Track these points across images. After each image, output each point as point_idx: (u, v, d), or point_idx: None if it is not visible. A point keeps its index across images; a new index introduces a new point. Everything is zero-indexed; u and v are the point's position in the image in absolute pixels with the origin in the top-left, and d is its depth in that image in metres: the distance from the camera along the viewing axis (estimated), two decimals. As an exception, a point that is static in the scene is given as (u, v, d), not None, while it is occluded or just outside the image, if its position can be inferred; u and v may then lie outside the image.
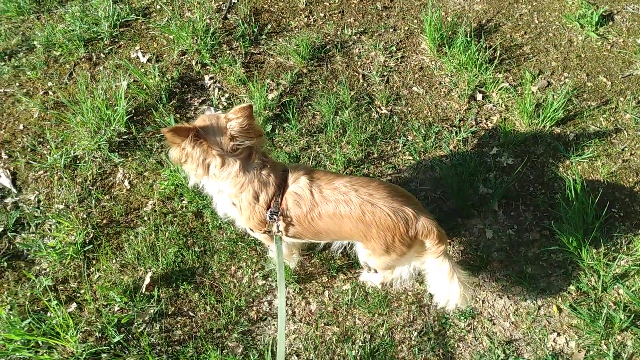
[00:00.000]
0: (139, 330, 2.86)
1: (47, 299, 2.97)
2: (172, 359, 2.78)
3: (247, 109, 2.31)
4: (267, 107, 3.60)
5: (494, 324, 2.88)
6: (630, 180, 3.33)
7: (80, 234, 3.15)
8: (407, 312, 2.93)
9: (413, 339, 2.83)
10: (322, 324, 2.90)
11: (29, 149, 3.52)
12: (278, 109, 3.63)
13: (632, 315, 2.80)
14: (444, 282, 2.53)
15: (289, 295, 2.99)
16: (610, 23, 4.08)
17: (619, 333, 2.80)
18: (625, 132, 3.52)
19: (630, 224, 3.15)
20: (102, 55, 3.96)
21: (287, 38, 3.99)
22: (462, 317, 2.89)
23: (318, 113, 3.62)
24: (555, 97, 3.57)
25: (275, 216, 2.43)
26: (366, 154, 3.43)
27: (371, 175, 3.36)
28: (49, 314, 2.94)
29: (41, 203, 3.33)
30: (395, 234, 2.37)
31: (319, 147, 3.47)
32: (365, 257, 2.65)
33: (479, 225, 3.19)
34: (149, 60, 3.90)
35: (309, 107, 3.65)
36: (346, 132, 3.49)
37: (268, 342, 2.81)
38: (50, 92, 3.79)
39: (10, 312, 2.93)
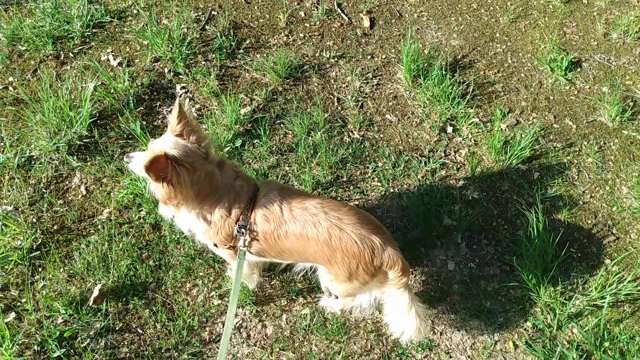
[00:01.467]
0: (82, 346, 2.76)
1: (-17, 306, 2.84)
2: (114, 378, 2.69)
3: (179, 107, 2.25)
4: (238, 122, 3.63)
5: (450, 357, 2.93)
6: (589, 222, 3.50)
7: (27, 238, 3.04)
8: (365, 341, 2.94)
9: (369, 369, 2.84)
10: (278, 349, 2.87)
11: (-20, 145, 3.41)
12: (250, 125, 3.66)
13: (584, 355, 2.91)
14: (402, 314, 2.58)
15: (244, 316, 2.96)
16: (579, 69, 4.34)
17: (571, 373, 2.90)
18: (586, 174, 3.72)
19: (587, 265, 3.30)
20: (70, 54, 3.91)
21: (265, 55, 4.06)
22: (420, 349, 2.93)
23: (290, 132, 3.67)
24: (523, 135, 3.75)
25: (243, 230, 2.41)
26: (335, 177, 3.49)
27: (339, 198, 3.40)
28: (-17, 323, 2.81)
29: (-12, 203, 3.22)
30: (360, 261, 2.40)
31: (288, 167, 3.51)
32: (327, 282, 2.67)
33: (442, 257, 3.27)
34: (120, 64, 3.88)
35: (282, 125, 3.70)
36: (317, 153, 3.55)
37: (219, 365, 2.76)
38: (11, 88, 3.70)
39: (-59, 318, 2.79)
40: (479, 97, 4.04)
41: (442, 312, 3.08)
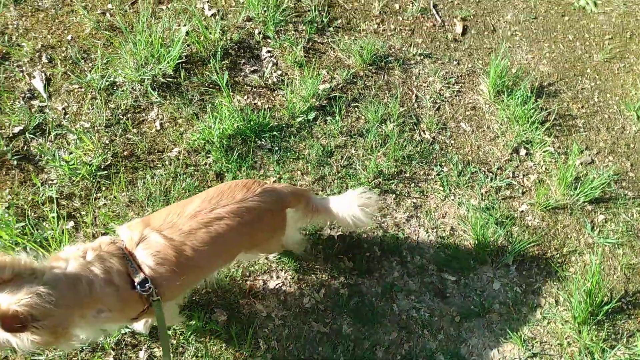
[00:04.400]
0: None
1: (47, 209, 3.09)
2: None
3: None
4: (315, 96, 3.80)
5: (477, 373, 3.03)
6: (646, 278, 3.52)
7: (98, 157, 3.29)
8: (396, 335, 3.06)
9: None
10: (311, 320, 3.03)
11: (70, 61, 3.68)
12: (326, 101, 3.83)
13: (614, 407, 2.96)
14: (335, 212, 2.79)
15: (285, 280, 3.13)
16: (666, 124, 4.34)
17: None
18: (653, 230, 3.73)
19: (636, 320, 3.32)
20: (169, -5, 4.18)
21: (353, 38, 4.22)
22: (448, 356, 3.03)
23: (363, 117, 3.82)
24: (596, 176, 3.80)
25: (147, 283, 2.17)
26: (399, 171, 3.62)
27: (397, 193, 3.54)
28: (45, 224, 3.06)
29: (67, 116, 3.48)
30: (273, 213, 2.56)
31: (354, 150, 3.66)
32: (256, 254, 2.93)
33: (489, 274, 3.36)
34: (214, 15, 4.11)
35: (356, 109, 3.86)
36: (386, 144, 3.69)
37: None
38: (108, 14, 3.97)
39: (7, 210, 3.05)
40: (558, 128, 4.09)
41: (477, 327, 3.17)
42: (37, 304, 1.87)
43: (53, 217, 3.05)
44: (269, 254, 3.14)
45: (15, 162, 3.25)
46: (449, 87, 4.15)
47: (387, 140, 3.71)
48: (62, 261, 2.09)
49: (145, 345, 2.82)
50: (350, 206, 2.75)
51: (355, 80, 4.01)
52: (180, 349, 2.85)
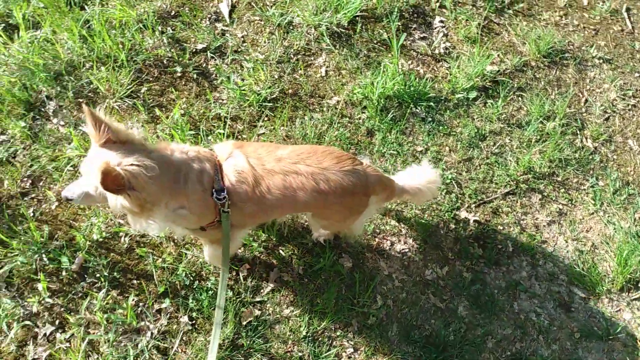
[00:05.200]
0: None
1: (215, 124, 3.41)
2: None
3: (92, 115, 2.06)
4: (480, 76, 3.74)
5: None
6: None
7: (267, 89, 3.53)
8: (511, 331, 3.06)
9: (503, 355, 2.97)
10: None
11: (256, -7, 3.94)
12: (490, 83, 3.76)
13: None
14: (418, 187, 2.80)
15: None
16: None
17: None
18: None
19: None
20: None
21: (532, 25, 4.05)
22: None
23: (525, 109, 3.71)
24: None
25: (222, 193, 2.28)
26: (551, 173, 3.50)
27: (544, 194, 3.44)
28: (210, 138, 3.38)
29: (244, 44, 3.75)
30: (355, 196, 2.46)
31: (509, 140, 3.59)
32: (320, 226, 2.80)
33: (623, 303, 3.20)
34: (395, -25, 4.15)
35: (520, 98, 3.75)
36: (544, 141, 3.57)
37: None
38: (297, -44, 4.16)
39: (183, 116, 3.41)
40: None
41: (597, 350, 3.06)
42: (140, 174, 2.00)
43: (220, 133, 3.36)
44: (331, 232, 3.08)
45: (194, 76, 3.59)
46: (624, 99, 3.88)
47: (546, 138, 3.58)
48: (169, 150, 2.25)
49: (276, 268, 3.08)
50: (426, 181, 2.81)
51: (525, 69, 3.88)
52: (305, 280, 3.08)
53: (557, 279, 3.23)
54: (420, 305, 3.08)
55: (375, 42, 3.85)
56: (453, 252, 3.23)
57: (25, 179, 3.20)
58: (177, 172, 2.21)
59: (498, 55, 3.89)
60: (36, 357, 2.73)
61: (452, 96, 3.68)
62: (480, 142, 3.55)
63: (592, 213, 3.43)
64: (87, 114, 2.06)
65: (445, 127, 3.59)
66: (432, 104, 3.63)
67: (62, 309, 2.85)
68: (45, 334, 2.80)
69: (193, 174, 2.24)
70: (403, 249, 3.23)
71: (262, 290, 3.01)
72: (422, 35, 3.94)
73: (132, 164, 2.01)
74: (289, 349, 2.89)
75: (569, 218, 3.40)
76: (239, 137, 3.41)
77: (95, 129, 2.07)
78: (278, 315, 2.95)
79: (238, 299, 2.93)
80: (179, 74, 3.59)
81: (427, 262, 3.20)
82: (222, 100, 3.55)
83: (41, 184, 3.19)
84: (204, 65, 3.67)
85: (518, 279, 3.20)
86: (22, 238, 2.94)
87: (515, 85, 3.79)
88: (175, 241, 3.05)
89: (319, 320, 2.94)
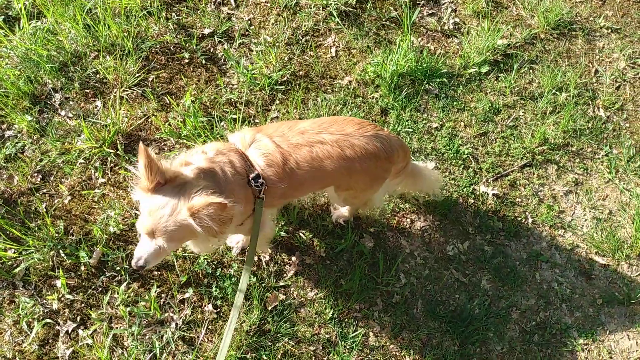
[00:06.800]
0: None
1: (227, 109, 3.41)
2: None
3: (147, 157, 2.00)
4: (491, 50, 3.77)
5: (611, 357, 3.03)
6: None
7: (278, 71, 3.53)
8: (535, 301, 3.12)
9: (528, 325, 3.05)
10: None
11: (259, -25, 3.91)
12: (501, 58, 3.79)
13: None
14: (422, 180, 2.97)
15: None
16: None
17: None
18: None
19: None
20: None
21: (538, -3, 4.08)
22: (583, 334, 3.06)
23: (537, 81, 3.75)
24: None
25: (259, 179, 2.30)
26: (565, 143, 3.56)
27: (560, 165, 3.49)
28: (222, 124, 3.38)
29: (252, 27, 3.74)
30: (379, 160, 2.46)
31: (523, 112, 3.63)
32: (342, 199, 2.82)
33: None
34: (399, -50, 4.14)
35: (531, 71, 3.79)
36: (557, 112, 3.62)
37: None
38: None
39: (193, 103, 3.40)
40: None
41: (618, 314, 3.15)
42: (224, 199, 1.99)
43: (233, 118, 3.36)
44: (352, 208, 3.11)
45: (203, 61, 3.58)
46: (633, 68, 3.93)
47: (560, 109, 3.64)
48: (189, 165, 2.19)
49: (298, 252, 3.11)
50: (431, 173, 2.99)
51: (534, 41, 3.91)
52: (328, 262, 3.12)
53: (577, 247, 3.30)
54: (444, 281, 3.14)
55: (384, 19, 3.85)
56: (473, 226, 3.29)
57: (36, 174, 3.19)
58: (213, 175, 2.19)
59: (508, 29, 3.92)
60: (59, 355, 2.75)
61: (465, 71, 3.70)
62: (494, 116, 3.60)
63: (608, 181, 3.50)
64: (141, 155, 1.97)
65: (459, 102, 3.62)
66: (444, 79, 3.65)
67: (83, 305, 2.87)
68: (67, 331, 2.82)
69: (227, 168, 2.24)
70: (423, 226, 3.27)
71: (285, 275, 3.05)
72: (430, 12, 3.95)
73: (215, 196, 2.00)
74: (316, 332, 2.93)
75: (585, 187, 3.47)
76: (252, 122, 3.42)
77: (147, 170, 2.00)
78: (303, 299, 2.99)
79: (262, 285, 2.97)
80: (186, 60, 3.58)
81: (447, 237, 3.25)
82: (233, 85, 3.54)
83: (52, 178, 3.18)
84: (212, 50, 3.65)
85: (538, 250, 3.27)
86: (38, 234, 2.95)
87: (527, 57, 3.83)
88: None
89: (344, 301, 2.99)
